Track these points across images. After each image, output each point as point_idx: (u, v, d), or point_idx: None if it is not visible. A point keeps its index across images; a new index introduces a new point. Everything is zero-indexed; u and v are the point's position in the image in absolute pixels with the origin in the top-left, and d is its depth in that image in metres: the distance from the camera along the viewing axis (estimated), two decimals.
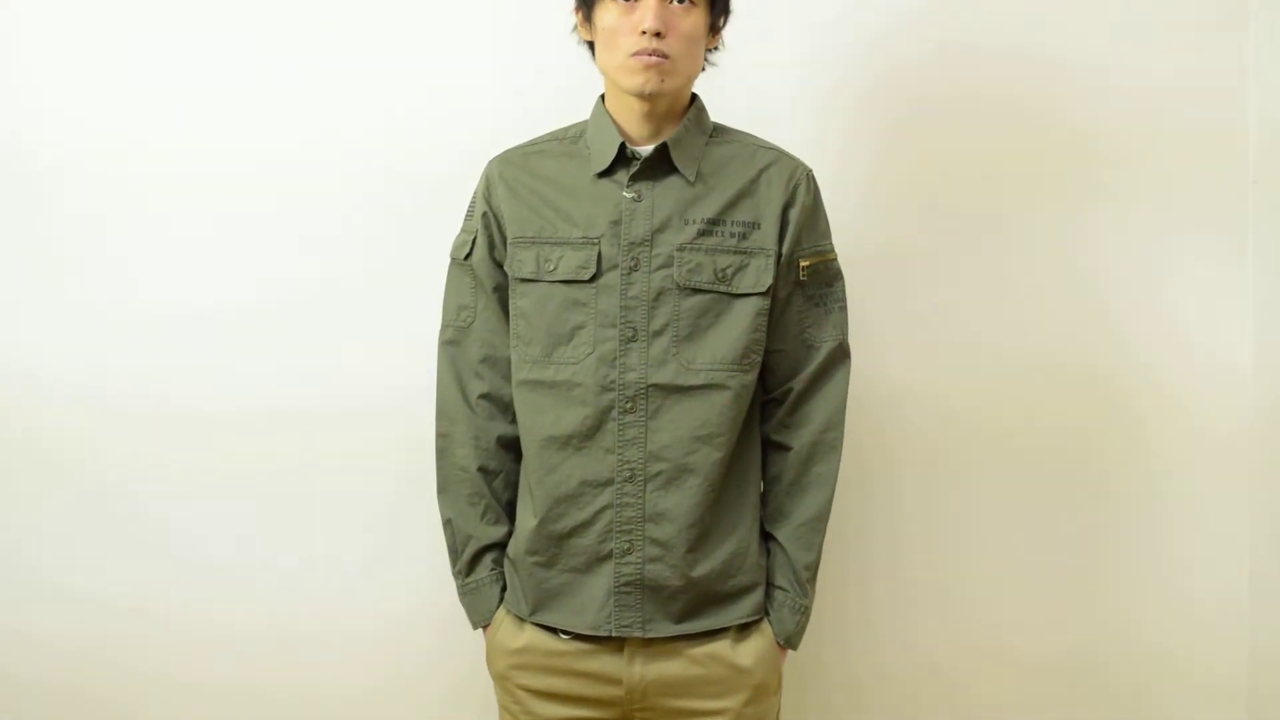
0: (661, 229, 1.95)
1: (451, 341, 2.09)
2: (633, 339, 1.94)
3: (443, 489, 2.08)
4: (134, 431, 2.56)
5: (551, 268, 1.97)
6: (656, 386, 1.94)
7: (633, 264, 1.94)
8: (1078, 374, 2.59)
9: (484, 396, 2.07)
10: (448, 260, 2.11)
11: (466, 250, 2.07)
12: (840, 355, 2.06)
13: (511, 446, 2.07)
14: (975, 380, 2.58)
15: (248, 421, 2.57)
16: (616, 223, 1.95)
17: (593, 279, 1.95)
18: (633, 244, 1.94)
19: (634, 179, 1.96)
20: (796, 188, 2.00)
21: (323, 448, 2.56)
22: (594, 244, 1.95)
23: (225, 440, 2.57)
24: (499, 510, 2.07)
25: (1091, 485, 2.60)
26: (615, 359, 1.94)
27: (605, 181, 1.98)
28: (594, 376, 1.94)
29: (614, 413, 1.94)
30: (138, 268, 2.55)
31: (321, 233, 2.55)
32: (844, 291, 2.07)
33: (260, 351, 2.56)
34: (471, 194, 2.10)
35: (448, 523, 2.08)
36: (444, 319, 2.10)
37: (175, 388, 2.56)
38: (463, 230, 2.09)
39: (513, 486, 2.09)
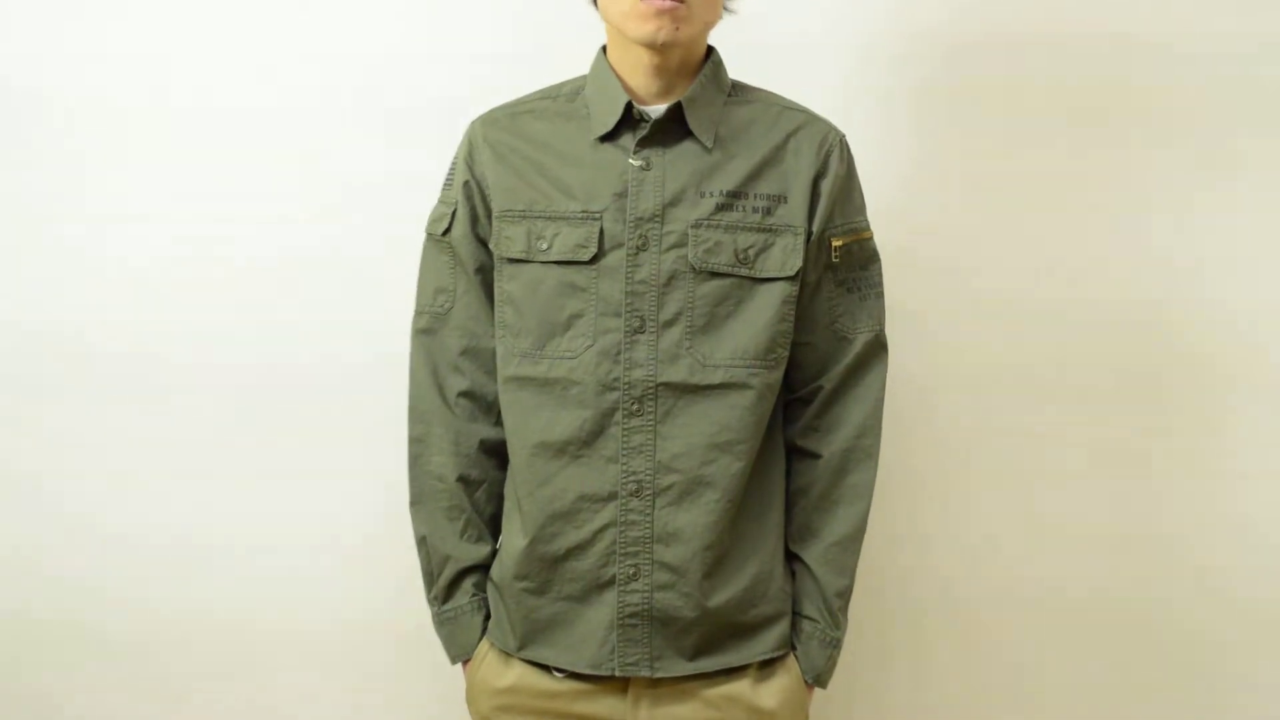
0: (674, 202, 1.67)
1: (426, 330, 1.81)
2: (640, 330, 1.67)
3: (416, 501, 1.81)
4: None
5: (545, 246, 1.70)
6: (667, 385, 1.67)
7: (640, 243, 1.67)
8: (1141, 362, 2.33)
9: (464, 394, 1.79)
10: (423, 235, 1.83)
11: (445, 225, 1.79)
12: (877, 348, 1.79)
13: (496, 452, 1.80)
14: (1021, 377, 2.31)
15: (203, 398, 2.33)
16: (621, 195, 1.68)
17: (594, 260, 1.68)
18: (640, 220, 1.67)
19: (642, 144, 1.68)
20: (829, 156, 1.73)
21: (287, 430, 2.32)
22: (595, 219, 1.68)
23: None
24: (481, 526, 1.80)
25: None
26: (619, 353, 1.67)
27: (608, 147, 1.70)
28: (594, 373, 1.67)
29: (618, 416, 1.67)
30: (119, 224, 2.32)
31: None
32: (881, 275, 1.80)
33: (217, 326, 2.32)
34: (451, 159, 1.82)
35: (422, 540, 1.80)
36: (418, 304, 1.82)
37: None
38: (440, 201, 1.81)
39: (497, 499, 1.82)
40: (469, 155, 1.78)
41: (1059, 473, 2.32)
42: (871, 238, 1.79)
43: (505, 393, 1.74)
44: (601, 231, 1.68)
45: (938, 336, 2.28)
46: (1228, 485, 2.32)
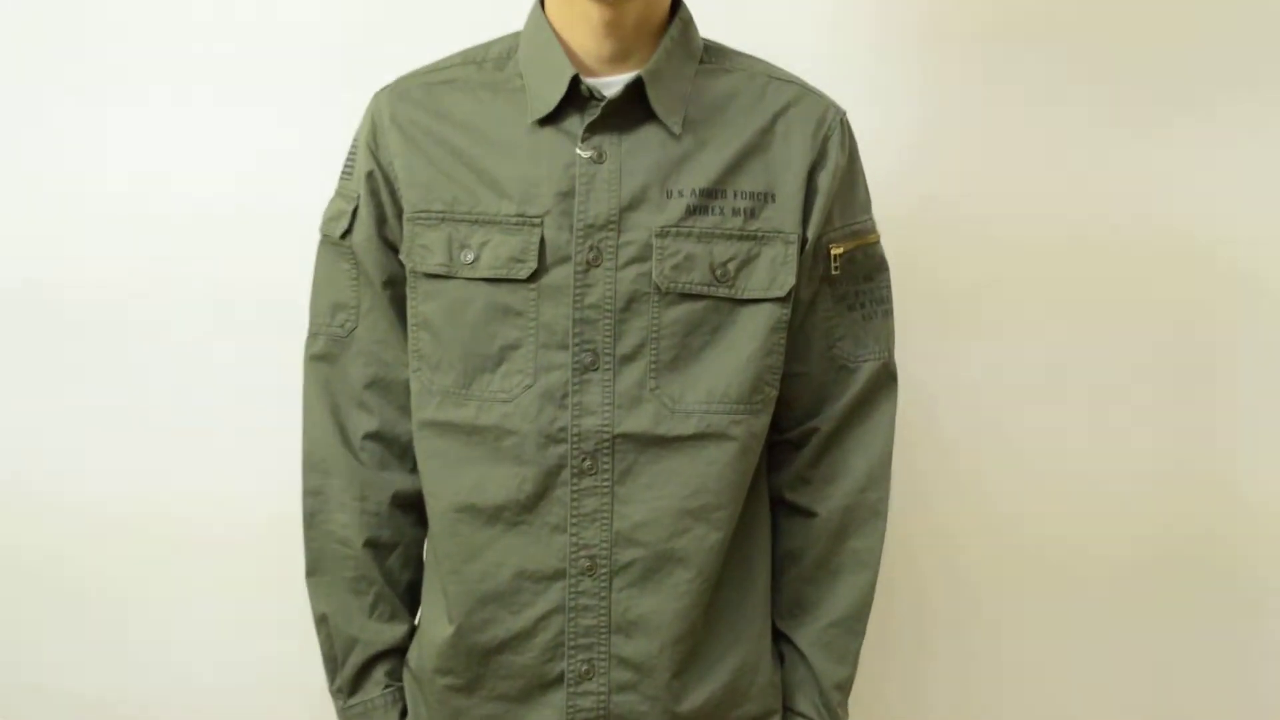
0: (633, 204, 1.32)
1: (323, 356, 1.45)
2: (592, 366, 1.32)
3: (315, 571, 1.46)
4: None
5: (471, 258, 1.34)
6: (627, 437, 1.33)
7: (592, 256, 1.32)
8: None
9: (372, 436, 1.44)
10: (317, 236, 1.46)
11: (344, 225, 1.42)
12: (885, 379, 1.46)
13: (414, 507, 1.45)
14: (1048, 395, 1.98)
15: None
16: (567, 195, 1.32)
17: (533, 277, 1.32)
18: (591, 227, 1.32)
19: (592, 129, 1.32)
20: (827, 140, 1.37)
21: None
22: (534, 225, 1.32)
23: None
24: (395, 601, 1.46)
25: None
26: (566, 396, 1.32)
27: (549, 132, 1.34)
28: (535, 421, 1.32)
29: (565, 474, 1.33)
30: None
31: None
32: (889, 288, 1.46)
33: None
34: (352, 140, 1.44)
35: (322, 620, 1.45)
36: (311, 323, 1.46)
37: None
38: (337, 194, 1.44)
39: (416, 564, 1.48)
40: (372, 137, 1.41)
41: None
42: (878, 241, 1.45)
43: (422, 441, 1.39)
44: (542, 241, 1.32)
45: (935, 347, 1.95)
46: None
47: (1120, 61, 1.90)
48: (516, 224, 1.33)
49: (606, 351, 1.32)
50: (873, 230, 1.43)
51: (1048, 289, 1.94)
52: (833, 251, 1.39)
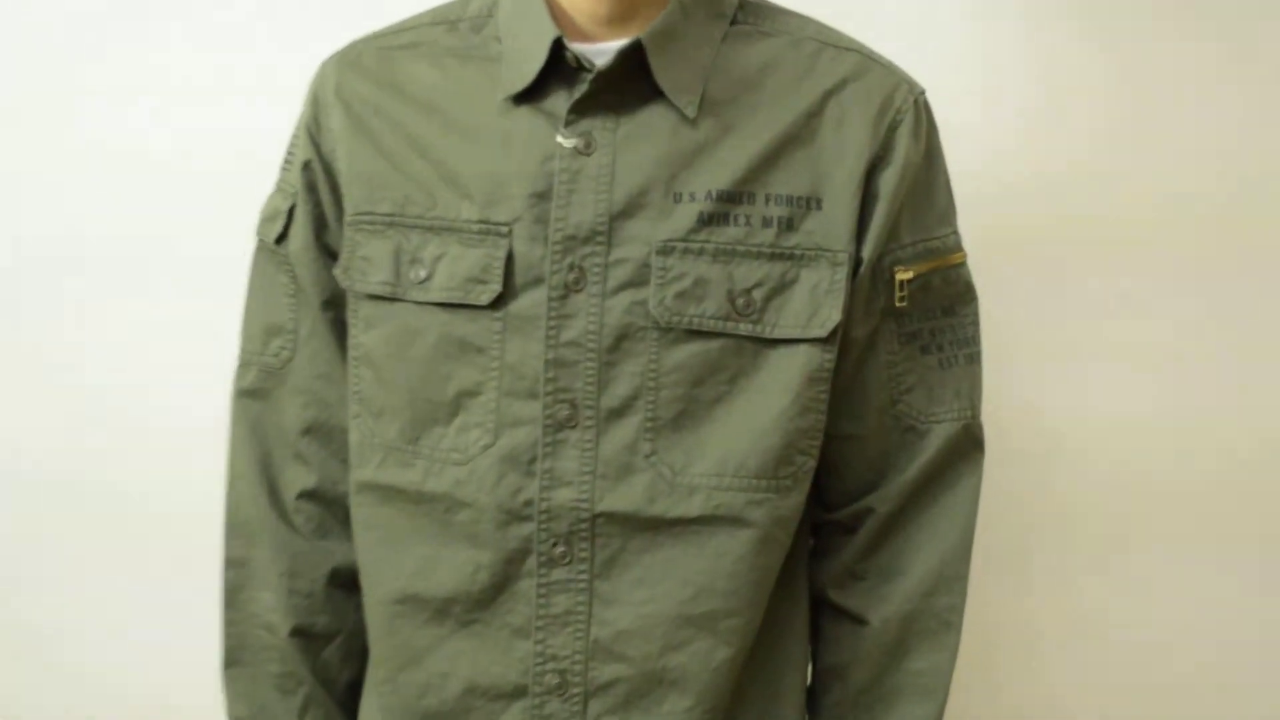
0: (629, 210, 1.00)
1: (253, 392, 1.15)
2: (569, 423, 1.00)
3: (233, 661, 1.16)
4: None
5: (423, 275, 1.03)
6: (612, 518, 1.01)
7: (572, 278, 1.00)
8: None
9: (309, 496, 1.14)
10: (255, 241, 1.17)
11: (279, 227, 1.12)
12: (967, 446, 1.11)
13: (359, 587, 1.14)
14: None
15: None
16: (543, 196, 1.00)
17: (497, 303, 1.01)
18: (573, 239, 1.00)
19: (579, 110, 1.00)
20: (895, 128, 1.03)
21: None
22: (501, 235, 1.01)
23: None
24: (330, 705, 1.16)
25: None
26: (535, 460, 1.01)
27: (526, 113, 1.02)
28: (494, 492, 1.01)
29: (530, 563, 1.02)
30: None
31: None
32: (977, 324, 1.11)
33: None
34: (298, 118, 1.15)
35: None
36: (242, 350, 1.17)
37: None
38: (276, 188, 1.15)
39: (359, 658, 1.17)
40: (314, 118, 1.11)
41: None
42: (964, 263, 1.10)
43: (359, 508, 1.09)
44: (510, 257, 1.01)
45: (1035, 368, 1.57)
46: None
47: None
48: (479, 233, 1.01)
49: (588, 404, 1.00)
50: (957, 248, 1.08)
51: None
52: (899, 276, 1.05)
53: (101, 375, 1.58)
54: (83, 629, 1.65)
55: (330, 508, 1.14)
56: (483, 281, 1.01)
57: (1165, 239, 1.53)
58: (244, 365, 1.16)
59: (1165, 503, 1.58)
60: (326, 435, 1.14)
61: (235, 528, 1.15)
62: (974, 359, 1.10)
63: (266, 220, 1.14)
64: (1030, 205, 1.51)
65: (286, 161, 1.13)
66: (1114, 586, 1.60)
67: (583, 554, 1.01)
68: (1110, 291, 1.54)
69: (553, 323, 1.00)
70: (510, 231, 1.01)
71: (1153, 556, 1.59)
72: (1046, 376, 1.55)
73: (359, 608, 1.14)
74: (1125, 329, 1.55)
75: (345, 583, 1.14)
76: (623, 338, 1.00)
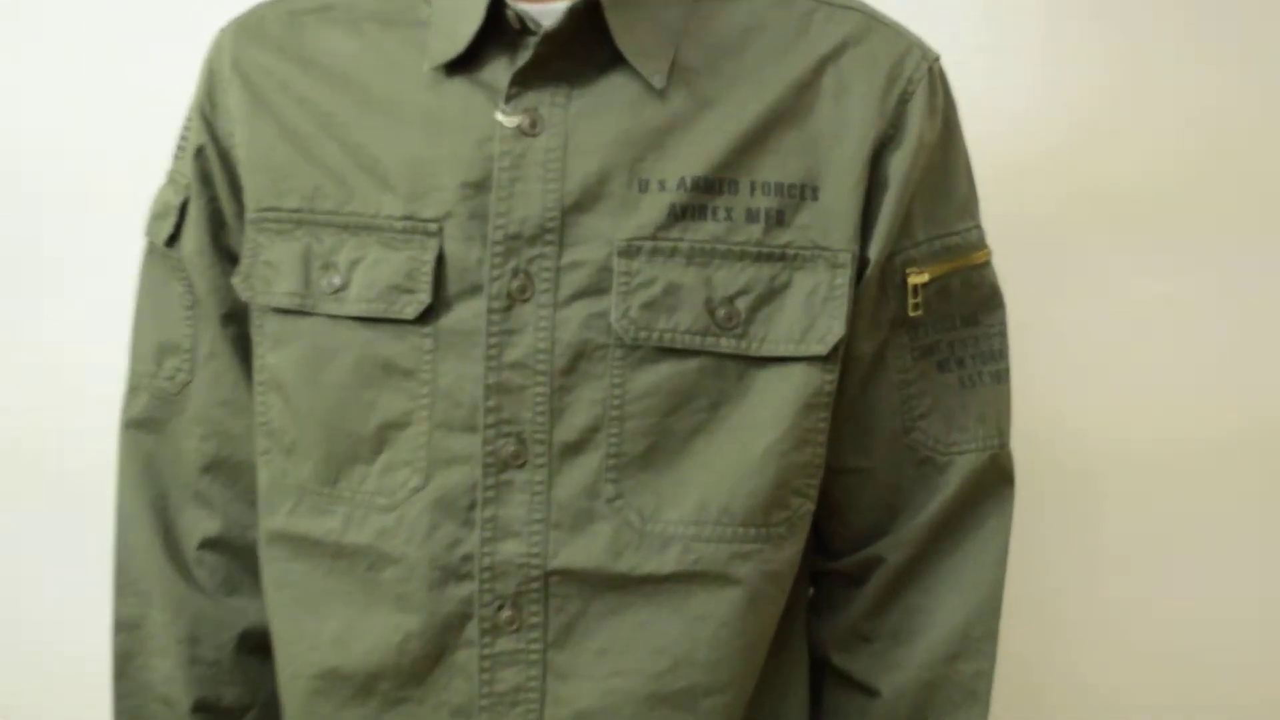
0: (585, 202, 0.82)
1: (144, 423, 0.97)
2: (515, 461, 0.83)
3: None
4: None
5: (336, 284, 0.85)
6: (570, 576, 0.83)
7: (516, 285, 0.82)
8: None
9: (212, 545, 0.97)
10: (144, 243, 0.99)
11: (170, 226, 0.94)
12: (994, 481, 0.93)
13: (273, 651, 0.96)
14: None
15: None
16: (480, 185, 0.83)
17: (425, 317, 0.83)
18: (516, 238, 0.82)
19: (523, 81, 0.82)
20: (906, 101, 0.86)
21: None
22: (430, 233, 0.83)
23: None
24: None
25: None
26: (474, 507, 0.83)
27: (459, 85, 0.84)
28: (425, 545, 0.84)
29: (471, 630, 0.84)
30: None
31: None
32: (1004, 335, 0.93)
33: None
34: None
35: None
36: (131, 372, 0.99)
37: None
38: (168, 179, 0.97)
39: None
40: (208, 95, 0.93)
41: None
42: (988, 262, 0.92)
43: (270, 563, 0.91)
44: (441, 260, 0.83)
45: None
46: None
47: None
48: (403, 232, 0.84)
49: (538, 438, 0.83)
50: (980, 245, 0.91)
51: None
52: (912, 280, 0.87)
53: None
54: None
55: (238, 559, 0.97)
56: (408, 291, 0.83)
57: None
58: (133, 390, 0.98)
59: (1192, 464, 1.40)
60: (232, 473, 0.96)
61: (126, 584, 0.97)
62: (1001, 377, 0.92)
63: (156, 218, 0.96)
64: (1037, 183, 1.33)
65: (179, 148, 0.96)
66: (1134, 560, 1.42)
67: (534, 619, 0.84)
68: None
69: (494, 340, 0.82)
70: (440, 230, 0.83)
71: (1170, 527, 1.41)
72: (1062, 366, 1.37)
73: (276, 676, 0.96)
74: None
75: (258, 647, 0.96)
76: (579, 357, 0.82)
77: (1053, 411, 1.34)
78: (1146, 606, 1.42)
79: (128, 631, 0.97)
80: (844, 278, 0.83)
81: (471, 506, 0.83)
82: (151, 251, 0.97)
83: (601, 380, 0.82)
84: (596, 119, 0.83)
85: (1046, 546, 1.39)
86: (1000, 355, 0.92)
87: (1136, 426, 1.37)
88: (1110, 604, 1.42)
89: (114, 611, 0.97)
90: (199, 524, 0.96)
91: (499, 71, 0.83)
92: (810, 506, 0.87)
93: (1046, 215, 1.32)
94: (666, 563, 0.83)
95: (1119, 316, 1.35)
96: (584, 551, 0.83)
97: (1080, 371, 1.36)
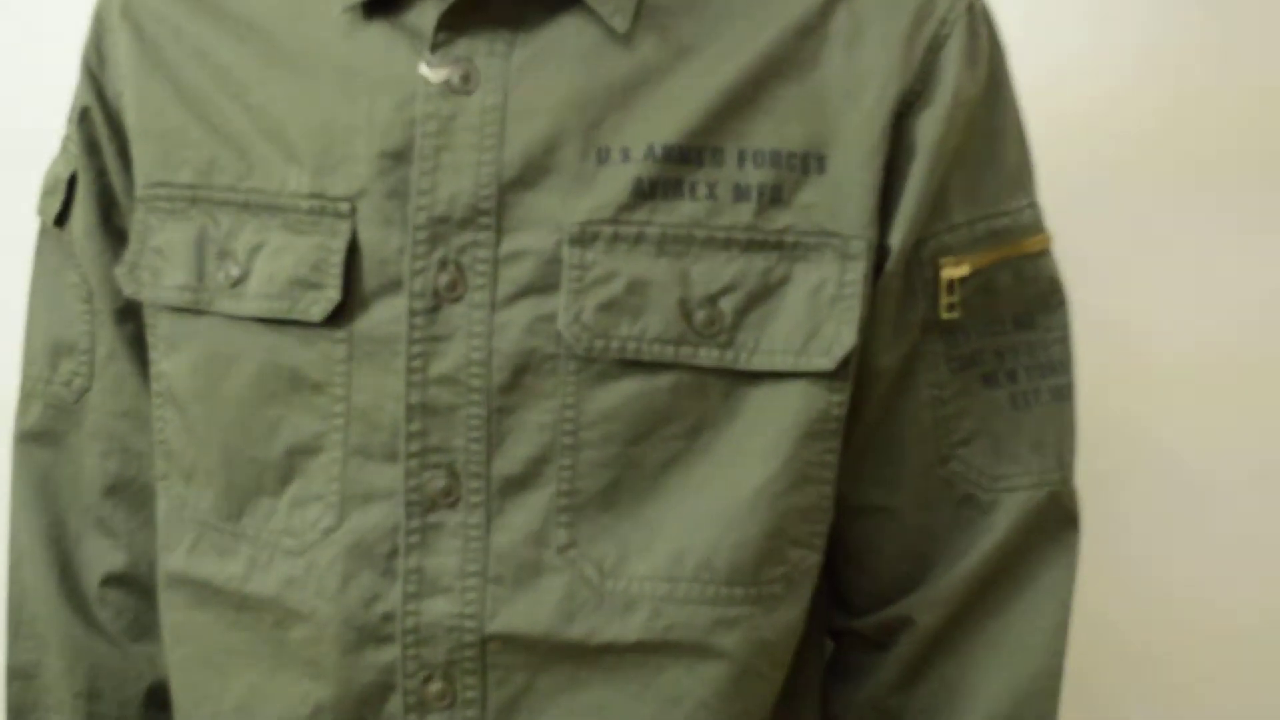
0: (528, 177, 0.66)
1: (39, 435, 0.83)
2: (446, 499, 0.66)
3: None
4: None
5: (234, 274, 0.70)
6: (513, 642, 0.67)
7: (445, 279, 0.66)
8: None
9: (117, 582, 0.82)
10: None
11: (58, 203, 0.79)
12: (1054, 523, 0.74)
13: None
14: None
15: None
16: (400, 156, 0.66)
17: (335, 318, 0.67)
18: (443, 221, 0.65)
19: (452, 22, 0.66)
20: (939, 50, 0.68)
21: None
22: (341, 215, 0.67)
23: None
24: None
25: None
26: (396, 554, 0.67)
27: (377, 29, 0.68)
28: (340, 598, 0.68)
29: (395, 705, 0.69)
30: None
31: None
32: (1066, 340, 0.75)
33: None
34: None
35: None
36: (24, 377, 0.84)
37: None
38: (61, 148, 0.81)
39: None
40: (95, 47, 0.78)
41: None
42: (1047, 249, 0.73)
43: (169, 610, 0.76)
44: (354, 248, 0.66)
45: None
46: None
47: None
48: (310, 213, 0.68)
49: (474, 470, 0.66)
50: (1036, 227, 0.73)
51: None
52: (947, 273, 0.69)
53: None
54: None
55: (146, 598, 0.82)
56: (315, 286, 0.67)
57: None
58: (26, 397, 0.83)
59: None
60: (137, 497, 0.81)
61: (19, 625, 0.83)
62: (1063, 394, 0.74)
63: (46, 193, 0.81)
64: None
65: (71, 118, 0.80)
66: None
67: (470, 694, 0.68)
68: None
69: (417, 348, 0.66)
70: (354, 210, 0.67)
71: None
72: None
73: None
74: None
75: (169, 703, 0.81)
76: (522, 371, 0.66)
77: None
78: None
79: (23, 681, 0.83)
80: (857, 272, 0.66)
81: (393, 554, 0.67)
82: (44, 234, 0.82)
83: (551, 400, 0.66)
84: (544, 72, 0.66)
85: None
86: (1062, 367, 0.73)
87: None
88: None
89: (7, 657, 0.83)
90: (101, 557, 0.81)
91: (425, 13, 0.67)
92: (815, 559, 0.69)
93: (1125, 186, 1.12)
94: (631, 629, 0.66)
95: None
96: (529, 613, 0.67)
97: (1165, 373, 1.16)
